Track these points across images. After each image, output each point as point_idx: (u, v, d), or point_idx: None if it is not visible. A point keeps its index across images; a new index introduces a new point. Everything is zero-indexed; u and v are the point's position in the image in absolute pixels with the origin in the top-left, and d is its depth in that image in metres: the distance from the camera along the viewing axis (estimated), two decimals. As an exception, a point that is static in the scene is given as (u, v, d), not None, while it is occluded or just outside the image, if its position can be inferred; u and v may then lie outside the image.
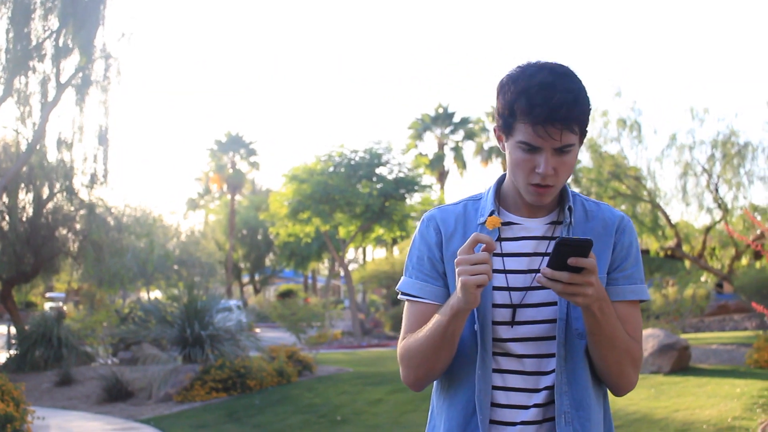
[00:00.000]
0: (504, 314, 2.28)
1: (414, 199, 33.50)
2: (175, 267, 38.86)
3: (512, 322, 2.28)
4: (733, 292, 26.97)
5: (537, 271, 2.27)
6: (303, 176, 30.92)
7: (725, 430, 9.16)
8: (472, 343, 2.30)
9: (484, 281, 2.06)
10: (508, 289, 2.29)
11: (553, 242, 2.30)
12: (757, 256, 25.98)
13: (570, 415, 2.24)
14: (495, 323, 2.29)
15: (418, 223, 2.41)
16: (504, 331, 2.29)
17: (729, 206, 25.60)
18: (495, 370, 2.30)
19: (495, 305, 2.29)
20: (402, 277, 2.43)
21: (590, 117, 2.28)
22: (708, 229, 27.03)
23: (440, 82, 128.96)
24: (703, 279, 28.99)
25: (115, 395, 14.73)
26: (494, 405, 2.30)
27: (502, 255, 2.31)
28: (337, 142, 38.39)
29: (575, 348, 2.26)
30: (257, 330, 30.51)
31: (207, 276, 40.76)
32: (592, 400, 2.28)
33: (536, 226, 2.35)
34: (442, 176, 54.77)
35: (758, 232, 20.17)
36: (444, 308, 2.19)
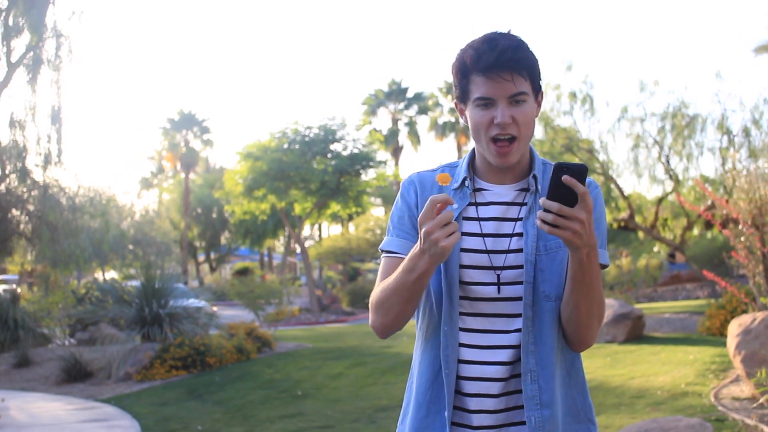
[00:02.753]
0: (472, 275, 2.38)
1: (369, 175, 33.55)
2: (130, 247, 38.66)
3: (498, 283, 2.38)
4: (685, 261, 27.41)
5: (507, 235, 2.39)
6: (257, 153, 30.83)
7: (679, 396, 9.39)
8: (440, 303, 2.41)
9: (457, 239, 2.15)
10: (487, 251, 2.39)
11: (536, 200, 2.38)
12: (708, 226, 26.44)
13: (535, 374, 2.35)
14: (463, 283, 2.39)
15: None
16: (473, 292, 2.40)
17: (680, 177, 25.94)
18: (462, 329, 2.40)
19: (463, 266, 2.39)
20: (384, 238, 2.51)
21: (539, 74, 2.42)
22: (660, 201, 27.38)
23: (394, 57, 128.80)
24: (655, 249, 29.46)
25: (74, 376, 14.70)
26: (461, 361, 2.40)
27: (479, 219, 2.42)
28: (291, 119, 38.37)
29: (542, 309, 2.36)
30: (214, 308, 30.49)
31: (162, 255, 40.60)
32: (556, 360, 2.39)
33: (505, 191, 2.44)
34: (396, 152, 54.90)
35: (709, 202, 20.49)
36: (409, 266, 2.24)
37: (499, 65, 2.27)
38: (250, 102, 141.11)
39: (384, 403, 10.67)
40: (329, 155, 32.11)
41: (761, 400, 8.41)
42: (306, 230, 54.38)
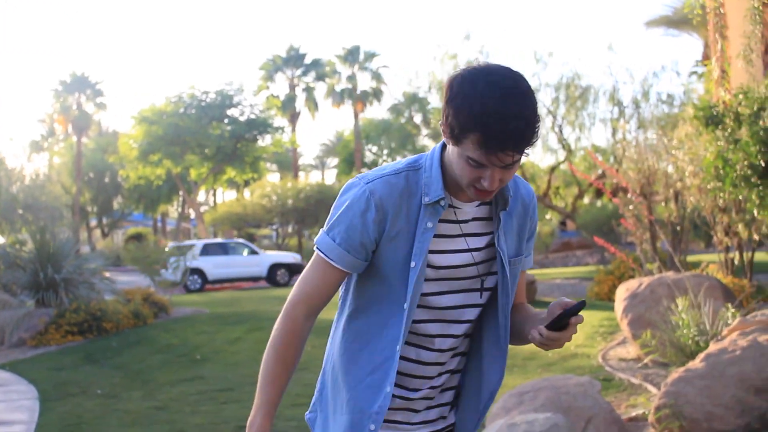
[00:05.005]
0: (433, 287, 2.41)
1: (266, 141, 33.49)
2: (20, 212, 37.80)
3: (481, 289, 2.46)
4: (576, 229, 28.15)
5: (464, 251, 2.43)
6: (153, 118, 30.49)
7: (569, 357, 9.76)
8: (393, 303, 2.40)
9: None
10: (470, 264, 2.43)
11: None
12: (599, 194, 27.19)
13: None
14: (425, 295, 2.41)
15: (347, 196, 2.36)
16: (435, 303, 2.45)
17: (572, 147, 26.62)
18: (416, 321, 2.44)
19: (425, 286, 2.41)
20: (323, 231, 2.41)
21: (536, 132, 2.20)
22: (552, 169, 28.02)
23: (292, 23, 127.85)
24: (548, 217, 30.14)
25: (-35, 341, 14.44)
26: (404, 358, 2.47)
27: (464, 235, 2.43)
28: (187, 84, 37.87)
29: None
30: (107, 274, 30.09)
31: (54, 220, 39.77)
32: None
33: (470, 209, 2.42)
34: (293, 118, 54.72)
35: (600, 171, 21.08)
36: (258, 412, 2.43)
37: (503, 149, 2.13)
38: (146, 66, 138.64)
39: (283, 366, 10.79)
40: (226, 120, 31.95)
41: (646, 360, 8.83)
42: (201, 196, 53.90)
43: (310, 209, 41.99)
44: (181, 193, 42.21)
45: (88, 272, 16.23)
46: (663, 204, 13.35)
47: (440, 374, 2.49)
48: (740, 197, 10.15)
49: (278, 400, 2.45)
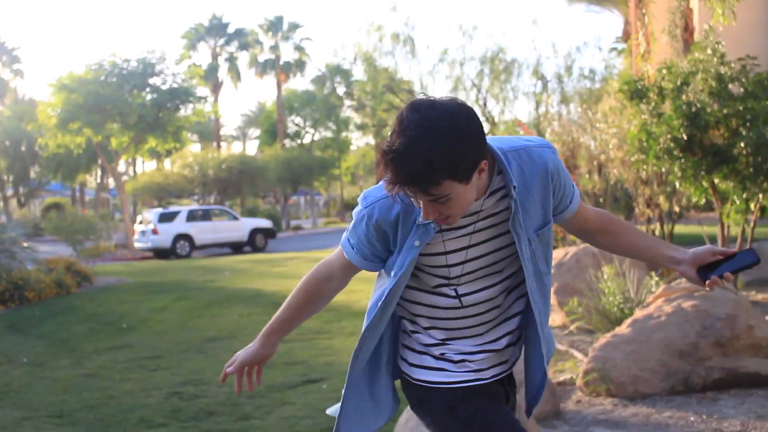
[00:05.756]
0: (445, 272, 2.58)
1: (188, 111, 33.16)
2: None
3: (458, 296, 2.60)
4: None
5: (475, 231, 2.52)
6: (72, 85, 29.93)
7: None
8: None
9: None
10: (447, 265, 2.55)
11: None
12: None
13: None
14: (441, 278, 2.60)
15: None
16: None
17: (496, 120, 26.89)
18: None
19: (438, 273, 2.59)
20: (346, 235, 2.66)
21: (471, 160, 2.21)
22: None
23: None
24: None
25: None
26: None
27: (443, 241, 2.52)
28: (108, 51, 37.33)
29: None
30: (24, 244, 29.67)
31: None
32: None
33: (476, 205, 2.44)
34: (216, 87, 54.26)
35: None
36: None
37: (410, 185, 2.20)
38: (65, 33, 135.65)
39: (212, 334, 10.79)
40: (147, 89, 31.54)
41: (572, 328, 9.04)
42: (121, 166, 53.15)
43: (232, 180, 41.75)
44: (100, 162, 41.57)
45: (8, 241, 15.96)
46: (587, 176, 13.61)
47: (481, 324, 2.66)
48: (663, 169, 10.42)
49: (277, 330, 2.89)
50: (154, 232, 29.18)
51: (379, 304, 2.62)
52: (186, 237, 29.89)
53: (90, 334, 11.45)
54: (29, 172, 56.23)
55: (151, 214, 30.44)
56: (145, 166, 64.04)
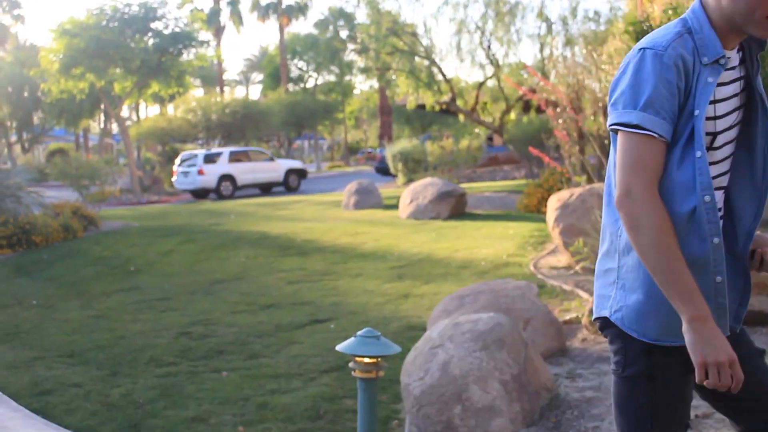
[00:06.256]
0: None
1: (190, 55, 33.01)
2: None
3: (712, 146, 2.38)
4: (504, 144, 28.49)
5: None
6: (74, 30, 29.72)
7: (501, 266, 10.00)
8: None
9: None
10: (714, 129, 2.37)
11: None
12: (525, 110, 27.46)
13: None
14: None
15: (636, 60, 2.28)
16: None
17: (500, 62, 26.76)
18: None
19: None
20: (631, 111, 2.29)
21: None
22: (480, 85, 28.15)
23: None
24: (476, 131, 30.37)
25: None
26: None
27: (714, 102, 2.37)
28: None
29: None
30: (30, 190, 29.77)
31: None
32: None
33: (734, 55, 2.41)
34: (218, 32, 53.94)
35: (529, 86, 21.24)
36: (688, 303, 2.19)
37: None
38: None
39: (219, 276, 10.86)
40: (150, 34, 31.36)
41: (577, 268, 9.10)
42: (124, 112, 53.06)
43: (236, 124, 41.63)
44: (103, 107, 41.46)
45: (14, 186, 16.02)
46: (591, 119, 13.58)
47: None
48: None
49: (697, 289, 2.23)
50: (200, 172, 29.69)
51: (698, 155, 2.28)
52: (229, 177, 30.49)
53: (98, 277, 11.54)
54: (32, 117, 56.11)
55: (190, 155, 31.00)
56: (149, 111, 63.92)
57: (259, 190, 31.95)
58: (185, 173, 30.50)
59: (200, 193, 30.51)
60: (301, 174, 32.76)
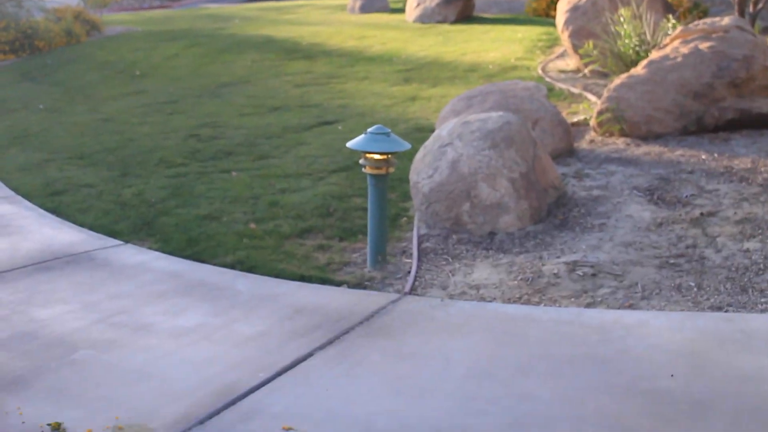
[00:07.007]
0: None
1: None
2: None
3: None
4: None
5: None
6: None
7: (509, 69, 9.91)
8: None
9: None
10: None
11: None
12: None
13: None
14: None
15: None
16: None
17: None
18: None
19: None
20: None
21: None
22: None
23: None
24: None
25: None
26: None
27: None
28: None
29: None
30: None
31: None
32: None
33: None
34: None
35: None
36: None
37: None
38: None
39: (225, 79, 10.79)
40: None
41: (585, 71, 9.02)
42: None
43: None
44: None
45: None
46: None
47: None
48: None
49: None
50: None
51: None
52: None
53: (103, 81, 11.49)
54: None
55: None
56: None
57: None
58: None
59: None
60: None
